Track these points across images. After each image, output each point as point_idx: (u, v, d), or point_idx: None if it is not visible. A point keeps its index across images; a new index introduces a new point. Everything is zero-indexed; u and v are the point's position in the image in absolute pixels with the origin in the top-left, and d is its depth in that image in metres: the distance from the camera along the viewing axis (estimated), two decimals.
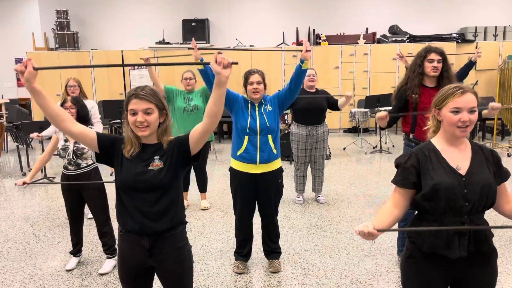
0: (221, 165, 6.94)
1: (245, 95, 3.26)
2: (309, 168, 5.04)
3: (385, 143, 7.98)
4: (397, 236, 3.50)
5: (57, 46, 9.27)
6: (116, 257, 3.33)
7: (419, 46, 9.29)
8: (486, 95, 8.92)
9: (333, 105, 4.77)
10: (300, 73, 3.14)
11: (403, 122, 3.41)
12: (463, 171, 1.77)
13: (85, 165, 3.38)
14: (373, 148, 7.83)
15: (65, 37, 9.25)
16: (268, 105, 3.23)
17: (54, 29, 9.32)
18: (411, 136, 3.33)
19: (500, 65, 8.84)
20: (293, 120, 4.92)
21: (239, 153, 3.16)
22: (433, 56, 3.21)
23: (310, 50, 3.07)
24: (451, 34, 9.47)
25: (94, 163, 3.45)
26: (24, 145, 7.31)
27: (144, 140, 1.96)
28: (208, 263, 3.53)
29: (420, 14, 9.90)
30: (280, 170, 3.29)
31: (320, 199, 5.00)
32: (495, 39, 9.49)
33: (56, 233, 4.24)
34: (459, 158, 1.79)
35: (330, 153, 7.35)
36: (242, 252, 3.40)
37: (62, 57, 9.05)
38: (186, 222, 2.09)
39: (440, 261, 1.78)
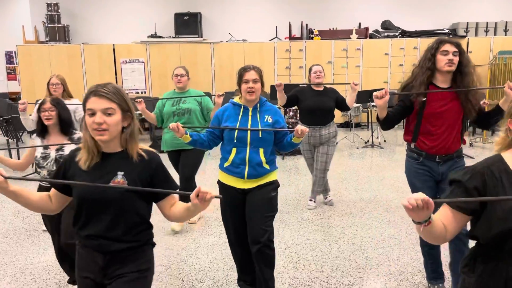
0: (213, 160, 6.94)
1: (236, 98, 2.81)
2: (300, 163, 5.00)
3: (377, 138, 8.03)
4: (424, 262, 2.98)
5: (47, 39, 9.18)
6: None
7: (411, 42, 9.36)
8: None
9: (342, 105, 4.43)
10: (289, 145, 2.76)
11: (405, 129, 2.87)
12: None
13: None
14: (365, 143, 7.87)
15: (56, 30, 9.16)
16: (269, 116, 2.74)
17: (44, 22, 9.22)
18: (412, 145, 2.80)
19: (491, 61, 8.93)
20: (300, 119, 4.68)
21: (226, 165, 2.73)
22: (447, 47, 2.59)
23: (304, 134, 2.63)
24: (442, 29, 9.52)
25: None
26: (15, 139, 7.25)
27: (104, 148, 1.69)
28: (200, 257, 3.54)
29: (412, 10, 9.93)
30: (271, 184, 2.76)
31: (308, 205, 4.64)
32: (486, 35, 9.56)
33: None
34: None
35: None
36: (247, 279, 2.91)
37: (53, 51, 8.97)
38: (154, 244, 1.85)
39: None
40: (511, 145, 1.47)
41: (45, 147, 2.86)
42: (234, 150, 2.69)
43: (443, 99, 2.66)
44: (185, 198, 3.96)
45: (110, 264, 1.71)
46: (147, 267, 1.77)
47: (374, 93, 2.65)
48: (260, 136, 2.68)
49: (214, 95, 3.83)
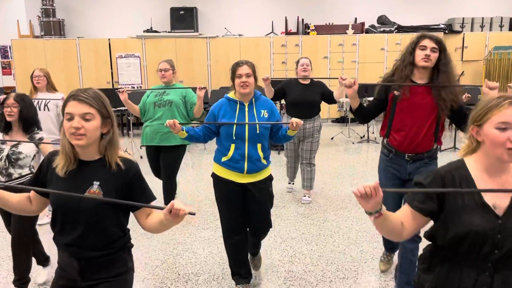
0: (209, 155, 6.94)
1: (231, 93, 2.83)
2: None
3: (373, 133, 8.06)
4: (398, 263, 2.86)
5: (42, 33, 9.13)
6: (49, 264, 3.14)
7: (407, 37, 9.36)
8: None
9: (329, 98, 4.42)
10: (284, 137, 2.84)
11: (382, 124, 2.84)
12: (500, 210, 1.41)
13: (18, 175, 2.79)
14: (361, 138, 7.90)
15: (51, 24, 9.10)
16: (265, 110, 2.78)
17: (39, 16, 9.16)
18: (385, 141, 2.78)
19: (486, 56, 8.96)
20: (286, 111, 4.69)
21: (223, 160, 2.75)
22: (426, 42, 2.54)
23: (298, 127, 2.69)
24: (438, 25, 9.54)
25: (30, 173, 2.83)
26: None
27: (82, 155, 1.66)
28: (196, 251, 3.56)
29: (408, 5, 9.94)
30: (269, 179, 2.87)
31: (304, 200, 4.65)
32: (481, 30, 9.59)
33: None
34: (499, 193, 1.42)
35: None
36: (242, 272, 2.91)
37: (48, 45, 8.92)
38: (131, 246, 1.84)
39: None
40: (475, 151, 1.48)
41: (2, 143, 2.79)
42: (233, 146, 2.71)
43: (417, 95, 2.60)
44: (168, 197, 4.04)
45: (86, 270, 1.70)
46: (123, 271, 1.75)
47: (344, 81, 2.67)
48: (258, 132, 2.71)
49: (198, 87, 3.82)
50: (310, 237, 3.80)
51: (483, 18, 9.59)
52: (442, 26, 9.48)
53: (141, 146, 4.01)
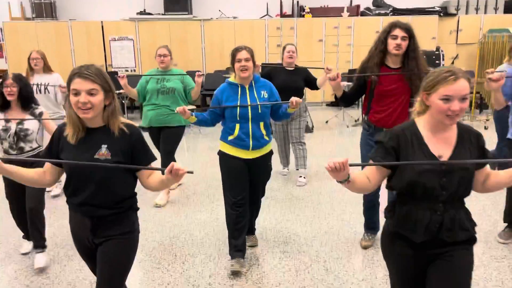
0: (205, 138, 6.96)
1: (231, 78, 3.02)
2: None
3: None
4: (365, 220, 3.38)
5: (34, 16, 8.99)
6: (46, 250, 3.17)
7: (402, 20, 9.27)
8: (466, 69, 9.04)
9: (311, 84, 4.61)
10: (284, 115, 3.12)
11: (363, 104, 3.23)
12: (444, 158, 1.71)
13: (29, 148, 3.08)
14: (355, 121, 7.94)
15: (43, 6, 8.97)
16: (264, 91, 3.01)
17: None
18: (365, 118, 3.17)
19: (481, 39, 8.96)
20: None
21: (230, 138, 2.97)
22: (397, 32, 2.84)
23: (298, 104, 2.97)
24: (433, 7, 9.49)
25: (39, 146, 3.15)
26: None
27: (88, 123, 1.85)
28: (192, 233, 3.60)
29: None
30: (270, 153, 3.14)
31: (300, 181, 4.75)
32: (476, 13, 9.56)
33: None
34: (442, 146, 1.73)
35: (313, 126, 7.43)
36: (237, 246, 3.02)
37: (40, 28, 8.80)
38: (137, 209, 2.02)
39: (407, 243, 1.79)
40: (424, 112, 1.77)
41: (7, 121, 3.01)
42: (237, 126, 2.94)
43: (391, 79, 2.96)
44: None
45: (97, 227, 1.90)
46: (130, 230, 1.95)
47: (328, 75, 2.99)
48: (260, 111, 2.94)
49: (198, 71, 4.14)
50: (305, 219, 3.86)
51: (478, 0, 9.54)
52: (437, 8, 9.45)
53: (142, 127, 4.08)
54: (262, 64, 4.95)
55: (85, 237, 1.93)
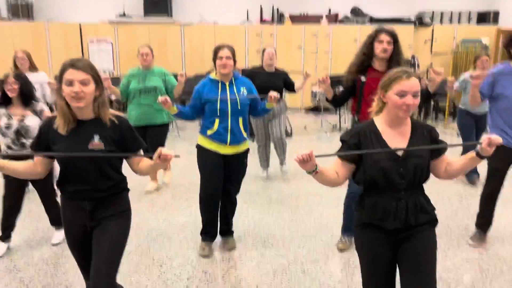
0: (183, 142, 6.94)
1: (212, 74, 3.17)
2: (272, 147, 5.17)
3: (344, 122, 8.22)
4: (343, 222, 3.44)
5: (10, 16, 8.81)
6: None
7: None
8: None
9: (290, 86, 4.85)
10: (263, 110, 3.28)
11: (352, 105, 3.35)
12: (400, 151, 1.90)
13: (30, 144, 3.19)
14: (333, 127, 8.05)
15: (19, 6, 8.80)
16: (244, 88, 3.18)
17: None
18: (356, 118, 3.28)
19: (454, 49, 9.24)
20: None
21: (209, 133, 3.10)
22: (382, 37, 3.03)
23: (276, 100, 3.13)
24: (409, 17, 9.74)
25: None
26: None
27: (79, 115, 1.94)
28: (170, 236, 3.59)
29: None
30: (247, 151, 3.29)
31: (283, 168, 5.20)
32: (450, 23, 9.86)
33: None
34: (398, 139, 1.92)
35: (292, 131, 7.50)
36: (209, 232, 3.31)
37: (16, 28, 8.63)
38: (128, 190, 2.17)
39: (379, 232, 1.94)
40: (381, 110, 1.96)
41: (9, 118, 3.16)
42: (217, 120, 3.07)
43: (379, 81, 2.99)
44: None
45: (95, 209, 2.00)
46: (126, 208, 2.11)
47: (318, 79, 3.18)
48: (239, 108, 3.10)
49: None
50: (283, 222, 3.90)
51: (452, 11, 9.85)
52: (413, 18, 9.70)
53: None
54: (242, 70, 5.07)
55: (81, 222, 2.02)
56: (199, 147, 3.20)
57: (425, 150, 1.92)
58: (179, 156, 1.88)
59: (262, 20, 9.71)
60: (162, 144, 4.41)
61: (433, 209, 2.01)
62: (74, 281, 2.93)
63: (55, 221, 3.50)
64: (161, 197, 4.51)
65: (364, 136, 1.93)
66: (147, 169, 2.05)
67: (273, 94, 3.11)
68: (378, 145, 1.90)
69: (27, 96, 3.19)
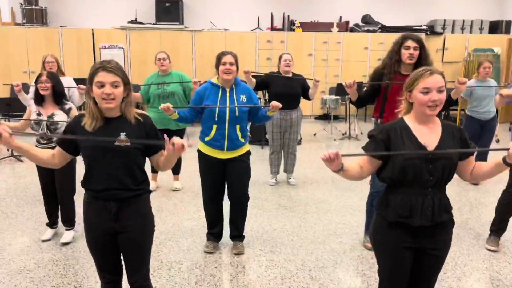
0: (193, 148, 6.96)
1: (214, 79, 3.23)
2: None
3: (354, 130, 8.20)
4: (365, 221, 3.53)
5: (24, 21, 8.97)
6: (74, 228, 3.62)
7: (390, 37, 9.52)
8: (451, 87, 9.24)
9: (305, 92, 4.83)
10: (264, 117, 3.30)
11: (375, 107, 3.41)
12: (431, 147, 1.90)
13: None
14: (342, 135, 8.03)
15: (33, 12, 8.95)
16: (244, 95, 3.20)
17: (21, 4, 8.99)
18: (378, 121, 3.35)
19: (466, 58, 9.19)
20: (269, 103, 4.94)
21: (207, 139, 3.17)
22: (409, 43, 3.14)
23: (277, 108, 3.16)
24: (421, 26, 9.73)
25: None
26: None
27: (107, 113, 2.00)
28: (179, 240, 3.60)
29: (392, 5, 10.10)
30: (247, 153, 3.30)
31: (292, 181, 5.15)
32: (462, 32, 9.82)
33: (25, 210, 4.20)
34: (428, 136, 1.93)
35: (301, 138, 7.50)
36: (213, 233, 3.45)
37: (30, 34, 8.77)
38: (151, 191, 2.21)
39: (404, 231, 1.95)
40: (410, 110, 1.98)
41: (39, 114, 3.35)
42: (214, 126, 3.13)
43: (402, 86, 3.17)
44: (176, 170, 4.90)
45: (121, 210, 2.03)
46: (147, 211, 2.15)
47: (344, 83, 3.24)
48: (237, 115, 3.13)
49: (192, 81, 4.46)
50: (291, 228, 3.89)
51: (464, 20, 9.82)
52: (424, 27, 9.68)
53: None
54: (253, 72, 5.08)
55: (105, 223, 2.04)
56: (199, 152, 3.28)
57: (454, 146, 1.93)
58: (191, 146, 1.97)
59: (273, 27, 9.76)
60: None
61: (451, 208, 2.03)
62: (84, 282, 2.95)
63: (67, 221, 3.57)
64: (170, 201, 4.53)
65: (394, 133, 1.93)
66: (163, 162, 2.10)
67: (274, 103, 3.13)
68: (409, 141, 1.91)
69: (59, 95, 3.37)
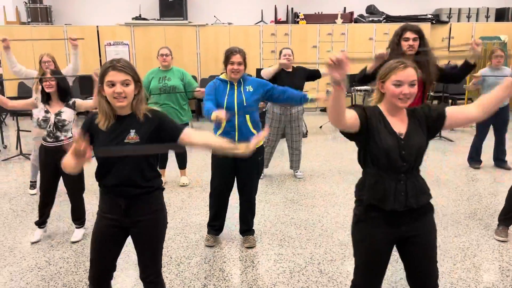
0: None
1: (222, 75, 3.28)
2: (285, 146, 5.17)
3: None
4: None
5: (29, 20, 9.00)
6: (84, 227, 3.66)
7: (395, 27, 9.39)
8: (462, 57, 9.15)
9: (314, 75, 4.89)
10: (300, 101, 3.38)
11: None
12: (402, 135, 1.97)
13: (64, 137, 3.42)
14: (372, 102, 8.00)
15: (38, 11, 8.99)
16: (250, 86, 3.25)
17: (26, 2, 9.03)
18: None
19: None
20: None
21: (218, 133, 3.18)
22: (408, 34, 3.19)
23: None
24: (426, 15, 9.63)
25: (73, 136, 3.48)
26: None
27: (118, 111, 2.02)
28: (187, 236, 3.62)
29: None
30: (260, 149, 3.30)
31: (298, 174, 5.15)
32: (468, 21, 9.71)
33: (34, 208, 4.23)
34: (400, 125, 1.98)
35: (307, 131, 7.49)
36: (215, 226, 3.48)
37: (35, 32, 8.81)
38: (163, 188, 2.20)
39: (380, 215, 1.98)
40: (381, 100, 2.02)
41: (47, 112, 3.38)
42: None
43: None
44: (182, 163, 4.93)
45: (131, 206, 2.05)
46: (159, 208, 2.14)
47: (376, 54, 3.21)
48: (245, 104, 3.17)
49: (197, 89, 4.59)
50: (299, 221, 3.89)
51: (469, 8, 9.71)
52: (430, 16, 9.59)
53: None
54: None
55: (115, 217, 2.07)
56: None
57: (422, 131, 1.98)
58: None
59: (276, 20, 9.72)
60: None
61: (429, 189, 2.05)
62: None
63: (77, 219, 3.61)
64: (178, 196, 4.55)
65: (375, 115, 1.98)
66: (200, 144, 2.15)
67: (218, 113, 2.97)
68: (384, 127, 1.95)
69: (63, 92, 3.40)
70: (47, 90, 3.35)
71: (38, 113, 3.41)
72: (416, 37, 3.17)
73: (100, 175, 2.06)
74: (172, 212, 4.12)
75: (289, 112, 4.82)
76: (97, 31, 8.99)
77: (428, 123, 2.00)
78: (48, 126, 3.38)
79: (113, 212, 2.07)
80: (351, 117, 1.89)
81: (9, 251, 3.39)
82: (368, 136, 1.94)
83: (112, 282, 2.24)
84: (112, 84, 1.93)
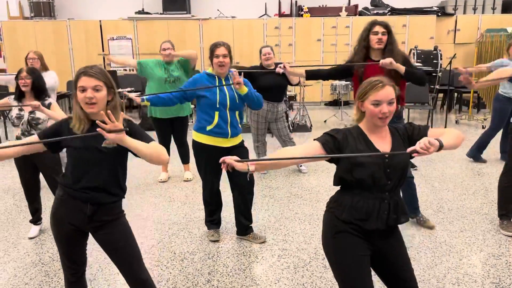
0: None
1: (209, 69, 3.26)
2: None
3: None
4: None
5: (32, 15, 8.99)
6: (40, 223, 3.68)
7: (400, 19, 9.36)
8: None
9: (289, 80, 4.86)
10: (245, 97, 3.19)
11: (354, 94, 3.41)
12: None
13: None
14: (353, 120, 7.94)
15: (41, 5, 8.97)
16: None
17: None
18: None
19: (478, 39, 8.99)
20: None
21: (209, 128, 3.15)
22: (377, 28, 3.28)
23: (240, 83, 3.07)
24: (431, 7, 9.53)
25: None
26: None
27: (93, 117, 2.00)
28: (191, 231, 3.61)
29: None
30: (242, 141, 3.34)
31: (303, 169, 5.12)
32: (474, 13, 9.60)
33: None
34: (382, 143, 1.96)
35: (311, 125, 7.45)
36: (214, 220, 3.48)
37: (38, 27, 8.80)
38: (124, 197, 2.19)
39: (362, 233, 1.93)
40: (362, 118, 2.00)
41: (20, 109, 3.37)
42: (217, 113, 3.14)
43: (375, 70, 3.19)
44: (185, 158, 4.96)
45: (95, 213, 2.05)
46: (121, 212, 2.16)
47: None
48: (237, 102, 3.18)
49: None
50: (303, 216, 3.87)
51: (475, 0, 9.59)
52: (435, 8, 9.48)
53: (149, 116, 4.78)
54: (239, 70, 5.07)
55: (76, 223, 2.06)
56: (198, 145, 3.24)
57: (404, 150, 1.93)
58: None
59: (280, 14, 9.65)
60: (185, 134, 4.82)
61: (407, 210, 2.05)
62: (98, 274, 2.97)
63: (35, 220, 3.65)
64: (182, 192, 4.54)
65: (351, 137, 1.96)
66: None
67: (235, 74, 3.07)
68: (366, 147, 1.94)
69: (39, 91, 3.35)
70: (22, 88, 3.31)
71: (13, 110, 3.40)
72: (384, 31, 3.28)
73: (73, 177, 2.03)
74: (175, 208, 4.11)
75: (275, 110, 4.84)
76: (100, 26, 8.97)
77: (410, 144, 1.94)
78: (21, 124, 3.35)
79: (74, 217, 2.05)
80: (309, 153, 1.92)
81: (13, 247, 3.39)
82: (344, 161, 1.93)
83: (112, 282, 2.23)
84: (83, 90, 1.94)
